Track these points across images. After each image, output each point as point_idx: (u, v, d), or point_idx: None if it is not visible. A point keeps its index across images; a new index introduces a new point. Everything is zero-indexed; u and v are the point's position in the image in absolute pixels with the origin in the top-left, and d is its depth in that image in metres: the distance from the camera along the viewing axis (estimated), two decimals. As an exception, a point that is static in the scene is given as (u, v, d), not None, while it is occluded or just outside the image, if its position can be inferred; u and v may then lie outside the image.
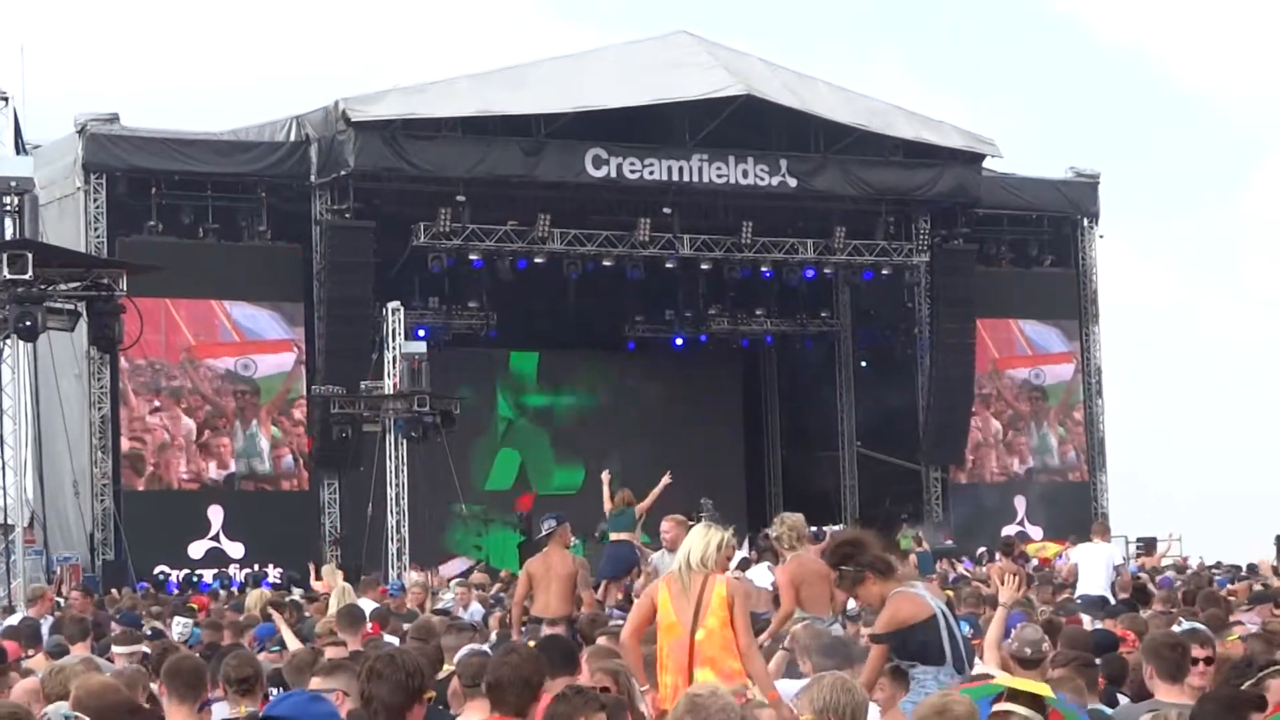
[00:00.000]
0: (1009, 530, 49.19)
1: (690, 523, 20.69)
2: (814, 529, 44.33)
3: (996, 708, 8.43)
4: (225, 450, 45.42)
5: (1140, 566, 36.08)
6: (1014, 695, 8.51)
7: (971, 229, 51.70)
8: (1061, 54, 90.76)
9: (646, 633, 12.89)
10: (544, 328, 50.73)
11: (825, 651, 12.76)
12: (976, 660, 12.92)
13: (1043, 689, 8.83)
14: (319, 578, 32.06)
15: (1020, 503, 52.12)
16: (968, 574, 34.33)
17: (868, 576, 12.28)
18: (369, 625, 18.17)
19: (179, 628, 21.33)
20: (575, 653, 12.09)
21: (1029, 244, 54.11)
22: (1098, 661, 13.32)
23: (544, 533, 20.63)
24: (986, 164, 51.08)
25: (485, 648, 14.60)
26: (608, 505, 26.75)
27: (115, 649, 16.23)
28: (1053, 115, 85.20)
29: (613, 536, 26.38)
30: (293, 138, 46.01)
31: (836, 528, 48.56)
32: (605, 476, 28.00)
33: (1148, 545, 46.02)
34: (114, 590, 36.35)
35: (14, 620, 22.92)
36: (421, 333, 46.37)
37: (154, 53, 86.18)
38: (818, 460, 54.29)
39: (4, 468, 32.99)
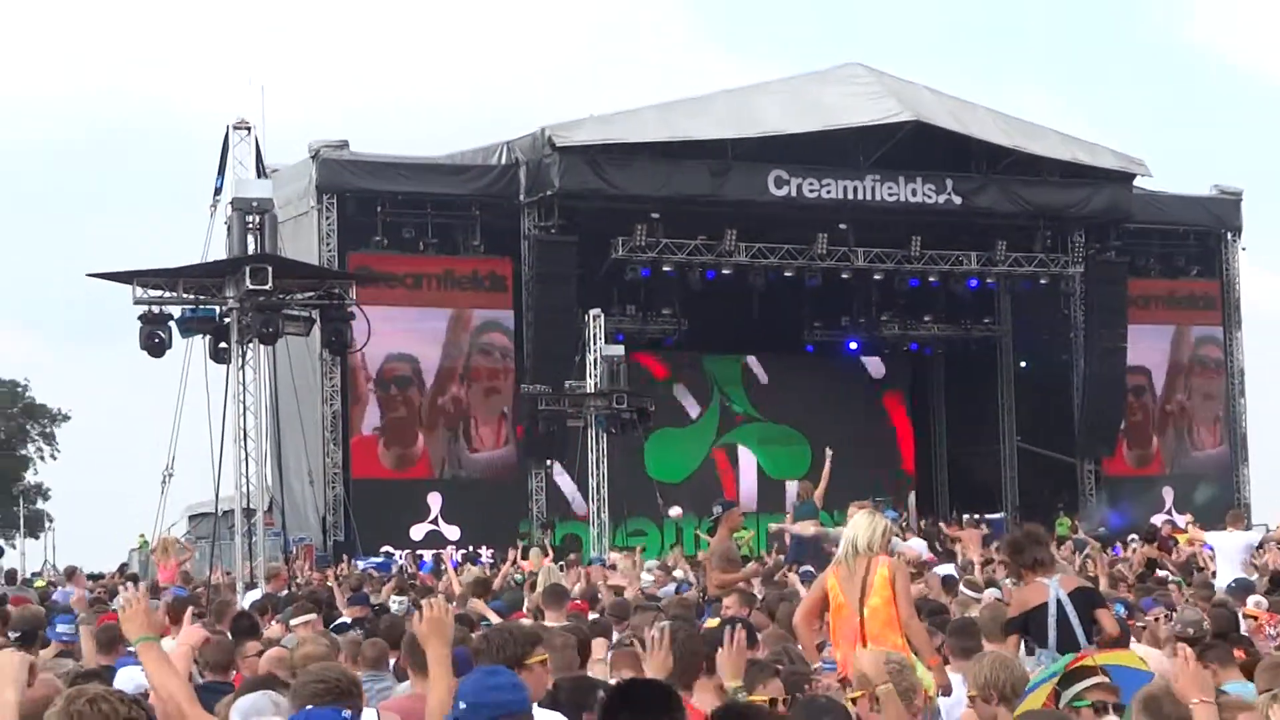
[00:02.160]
0: (1157, 519, 48.55)
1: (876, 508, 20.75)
2: (976, 516, 44.50)
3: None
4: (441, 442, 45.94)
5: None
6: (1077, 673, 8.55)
7: (1123, 242, 51.20)
8: (1202, 79, 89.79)
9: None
10: (730, 333, 50.81)
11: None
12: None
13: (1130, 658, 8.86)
14: (525, 558, 32.29)
15: (1168, 493, 51.53)
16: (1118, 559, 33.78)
17: (1023, 572, 12.44)
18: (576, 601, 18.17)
19: (395, 604, 21.46)
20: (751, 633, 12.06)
21: (1176, 256, 53.65)
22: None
23: (713, 518, 20.64)
24: (1136, 182, 50.58)
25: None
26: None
27: (293, 620, 16.33)
28: (1197, 136, 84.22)
29: (795, 526, 26.49)
30: (503, 161, 46.40)
31: (997, 515, 48.45)
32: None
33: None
34: (344, 565, 36.88)
35: (256, 595, 23.24)
36: (619, 337, 46.40)
37: (379, 84, 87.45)
38: (981, 454, 53.98)
39: (247, 458, 33.34)
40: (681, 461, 51.35)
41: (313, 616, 16.26)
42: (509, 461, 46.70)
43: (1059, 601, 12.26)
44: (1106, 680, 8.55)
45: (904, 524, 39.95)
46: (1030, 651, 12.07)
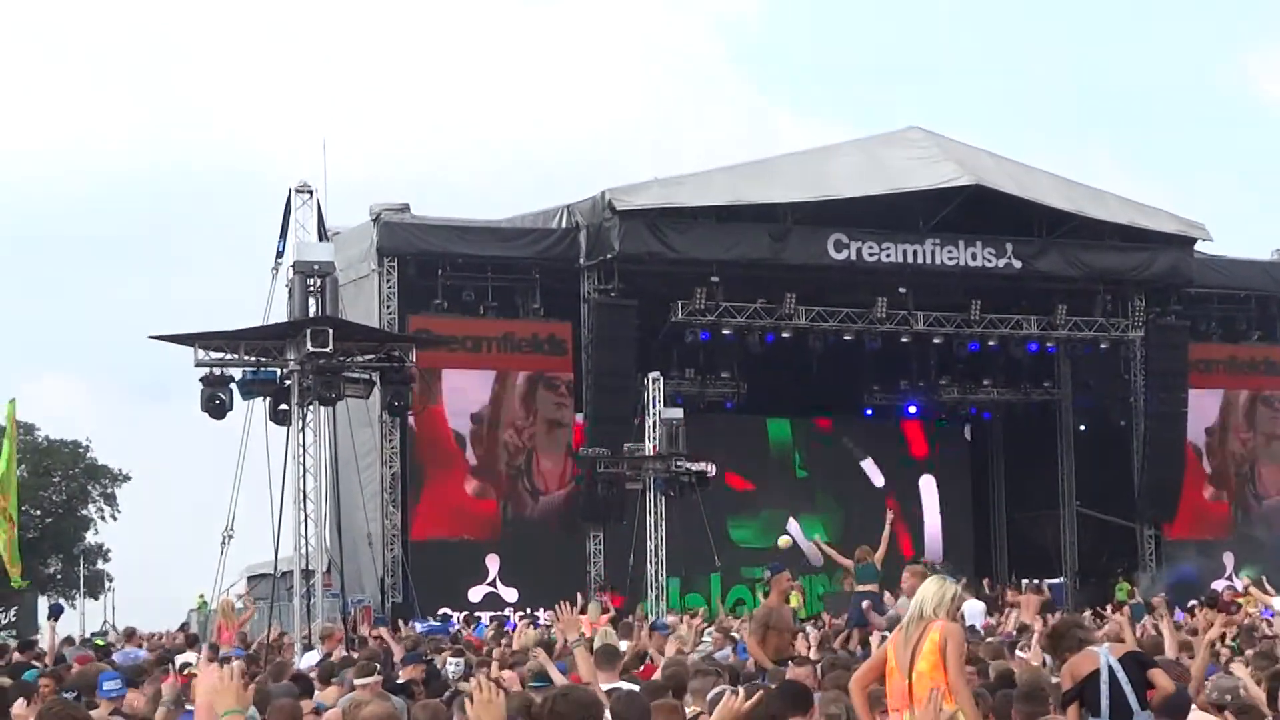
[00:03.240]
0: (1218, 585, 48.20)
1: (927, 572, 20.58)
2: (1036, 582, 44.26)
3: None
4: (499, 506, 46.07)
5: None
6: None
7: (1183, 306, 51.01)
8: (1266, 140, 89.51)
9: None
10: (790, 397, 50.80)
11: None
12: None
13: None
14: (583, 612, 32.13)
15: (1229, 559, 51.15)
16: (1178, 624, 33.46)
17: (1066, 656, 12.41)
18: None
19: (452, 666, 21.41)
20: (806, 695, 11.99)
21: (1237, 320, 53.40)
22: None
23: (765, 578, 20.56)
24: (1197, 246, 50.43)
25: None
26: (841, 560, 26.69)
27: (356, 680, 16.29)
28: (1259, 200, 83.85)
29: (859, 588, 26.34)
30: (563, 224, 46.52)
31: (1056, 581, 48.17)
32: (817, 541, 28.19)
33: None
34: (400, 627, 36.86)
35: (314, 656, 23.20)
36: (678, 400, 46.35)
37: (442, 146, 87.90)
38: (1040, 519, 53.73)
39: (306, 519, 33.44)
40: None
41: (375, 679, 16.23)
42: (571, 512, 46.63)
43: (1110, 668, 12.24)
44: None
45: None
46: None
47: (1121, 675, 12.19)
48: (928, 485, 53.96)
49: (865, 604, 24.92)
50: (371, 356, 34.49)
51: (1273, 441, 53.58)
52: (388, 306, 44.22)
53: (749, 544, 50.14)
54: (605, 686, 13.85)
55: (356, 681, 16.07)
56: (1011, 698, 12.96)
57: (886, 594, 26.46)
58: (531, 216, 47.56)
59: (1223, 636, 24.96)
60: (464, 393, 45.72)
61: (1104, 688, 12.02)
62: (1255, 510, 53.09)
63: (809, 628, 27.17)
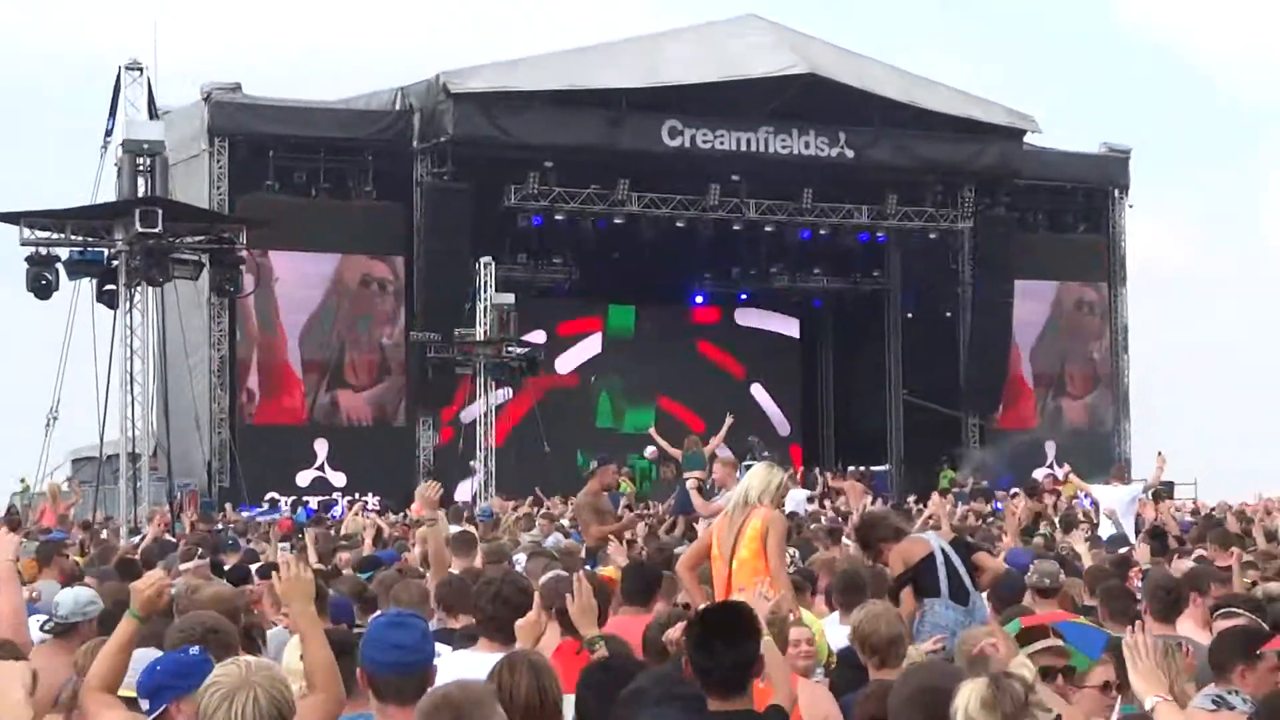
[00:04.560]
0: (1039, 473, 48.97)
1: (733, 463, 20.83)
2: (862, 468, 44.78)
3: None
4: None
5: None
6: (1028, 634, 8.59)
7: (1012, 198, 51.52)
8: (1091, 38, 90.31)
9: None
10: (622, 283, 50.82)
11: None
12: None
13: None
14: (417, 503, 32.13)
15: (1050, 447, 51.95)
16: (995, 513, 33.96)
17: (881, 547, 12.59)
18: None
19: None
20: (652, 582, 12.11)
21: (1065, 213, 53.97)
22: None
23: (591, 469, 20.58)
24: (1027, 139, 50.95)
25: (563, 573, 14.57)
26: (670, 450, 26.84)
27: (180, 564, 16.26)
28: (1087, 94, 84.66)
29: (686, 476, 26.50)
30: (397, 107, 46.28)
31: (882, 468, 48.79)
32: (653, 431, 28.27)
33: (1166, 490, 45.73)
34: (226, 511, 36.75)
35: (137, 539, 23.08)
36: (510, 286, 46.22)
37: (272, 26, 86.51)
38: (867, 407, 54.15)
39: (134, 403, 33.21)
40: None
41: (201, 562, 16.21)
42: (392, 406, 46.55)
43: (944, 551, 12.39)
44: (1060, 644, 8.64)
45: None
46: (919, 602, 12.15)
47: (955, 557, 12.35)
48: (757, 373, 54.16)
49: (691, 484, 25.07)
50: (201, 238, 34.25)
51: (1089, 341, 54.27)
52: (218, 188, 43.67)
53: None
54: (462, 570, 13.93)
55: (181, 566, 16.04)
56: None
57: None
58: (365, 98, 47.17)
59: (1035, 519, 25.56)
60: (294, 275, 45.34)
61: (941, 570, 12.13)
62: (1072, 401, 53.87)
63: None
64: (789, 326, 55.89)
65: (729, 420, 27.43)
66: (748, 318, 54.89)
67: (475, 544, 16.97)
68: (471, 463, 43.60)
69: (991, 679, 5.87)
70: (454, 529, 21.63)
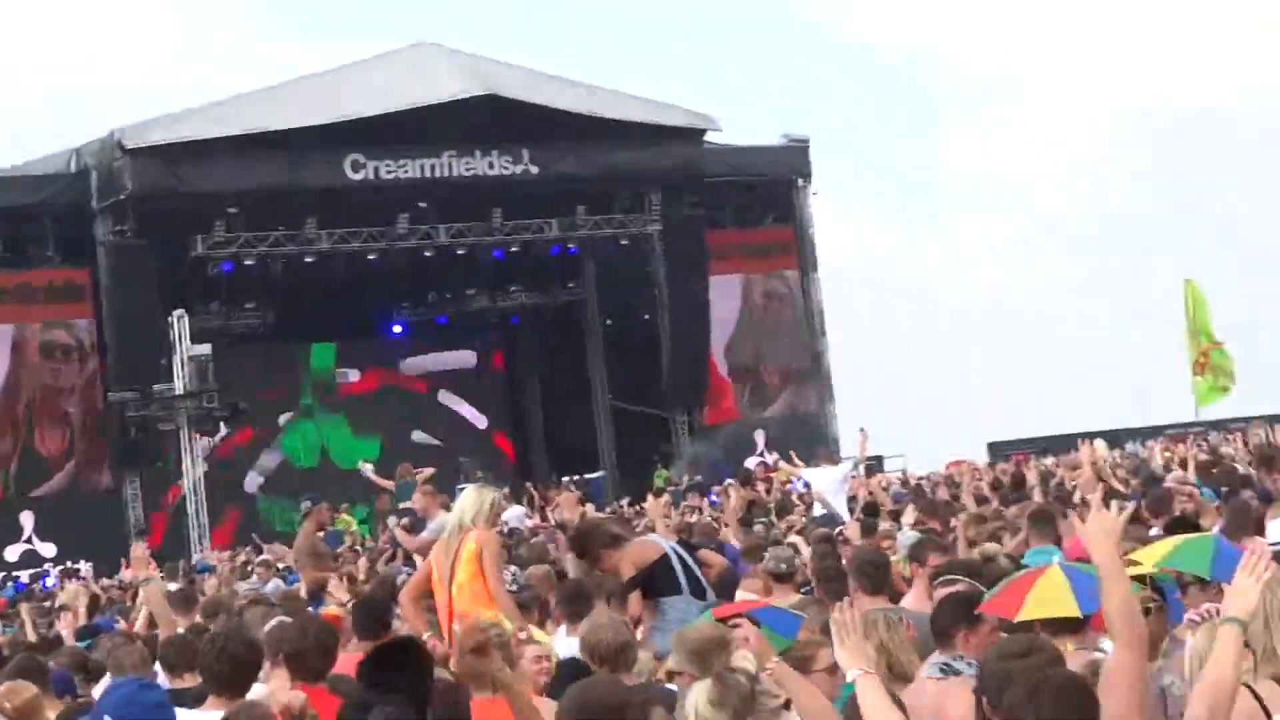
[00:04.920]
0: (751, 462, 49.67)
1: (432, 490, 20.90)
2: (575, 477, 44.98)
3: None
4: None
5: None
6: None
7: (699, 197, 52.04)
8: (764, 28, 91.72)
9: None
10: (319, 321, 50.44)
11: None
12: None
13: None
14: (129, 566, 31.68)
15: (760, 436, 52.64)
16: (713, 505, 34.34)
17: (600, 554, 12.70)
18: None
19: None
20: (383, 615, 12.15)
21: (751, 207, 54.64)
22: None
23: (302, 513, 20.49)
24: (709, 137, 51.57)
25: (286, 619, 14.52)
26: (382, 483, 26.84)
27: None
28: (767, 90, 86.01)
29: (401, 506, 26.49)
30: (73, 168, 45.51)
31: (597, 474, 49.07)
32: (366, 467, 28.25)
33: (875, 464, 46.71)
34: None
35: None
36: (206, 337, 45.67)
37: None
38: (575, 416, 54.34)
39: None
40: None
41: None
42: (95, 469, 45.81)
43: (676, 551, 12.54)
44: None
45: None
46: (655, 603, 12.26)
47: (687, 557, 12.51)
48: (463, 396, 54.19)
49: (394, 523, 24.95)
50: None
51: (785, 328, 55.07)
52: (-107, 265, 42.59)
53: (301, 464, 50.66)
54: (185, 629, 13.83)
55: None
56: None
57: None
58: (40, 162, 46.40)
59: (750, 508, 25.97)
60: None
61: (678, 569, 12.28)
62: (775, 389, 54.66)
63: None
64: (491, 346, 55.96)
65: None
66: (449, 342, 54.89)
67: (195, 600, 16.86)
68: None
69: (716, 677, 6.02)
70: (173, 586, 21.49)
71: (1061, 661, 6.28)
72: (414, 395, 53.45)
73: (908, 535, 16.68)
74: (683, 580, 12.44)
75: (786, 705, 6.45)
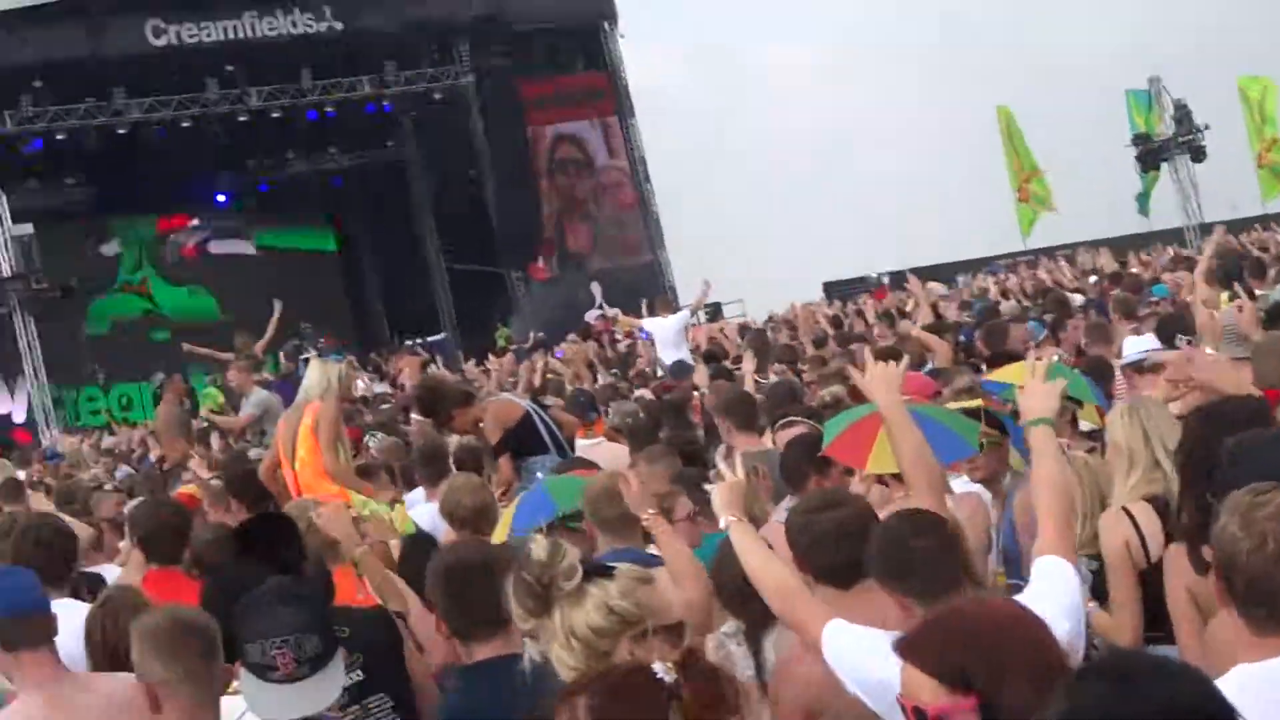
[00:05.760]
0: (590, 315, 49.63)
1: (246, 365, 20.73)
2: (413, 342, 44.66)
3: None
4: None
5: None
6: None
7: (509, 46, 51.49)
8: None
9: None
10: (141, 192, 49.42)
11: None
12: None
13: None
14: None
15: (597, 289, 52.58)
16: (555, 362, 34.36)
17: (452, 412, 12.62)
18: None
19: None
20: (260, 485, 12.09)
21: (561, 53, 54.21)
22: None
23: (156, 386, 20.25)
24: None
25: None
26: (219, 356, 26.59)
27: None
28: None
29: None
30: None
31: (439, 336, 48.83)
32: (186, 347, 27.98)
33: (714, 311, 46.85)
34: None
35: None
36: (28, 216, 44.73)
37: None
38: (411, 279, 53.90)
39: None
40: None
41: None
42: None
43: (535, 410, 12.52)
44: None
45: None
46: (522, 460, 12.24)
47: (546, 416, 12.51)
48: (291, 264, 53.45)
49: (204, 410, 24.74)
50: None
51: (610, 176, 54.94)
52: None
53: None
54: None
55: None
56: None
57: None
58: None
59: (590, 366, 26.01)
60: None
61: (541, 428, 12.28)
62: (608, 238, 54.59)
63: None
64: (316, 210, 55.38)
65: (277, 310, 27.19)
66: (274, 208, 54.21)
67: (22, 488, 16.63)
68: None
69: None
70: (21, 474, 21.20)
71: (872, 515, 6.31)
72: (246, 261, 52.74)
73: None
74: (547, 439, 12.44)
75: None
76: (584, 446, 12.99)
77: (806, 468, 8.83)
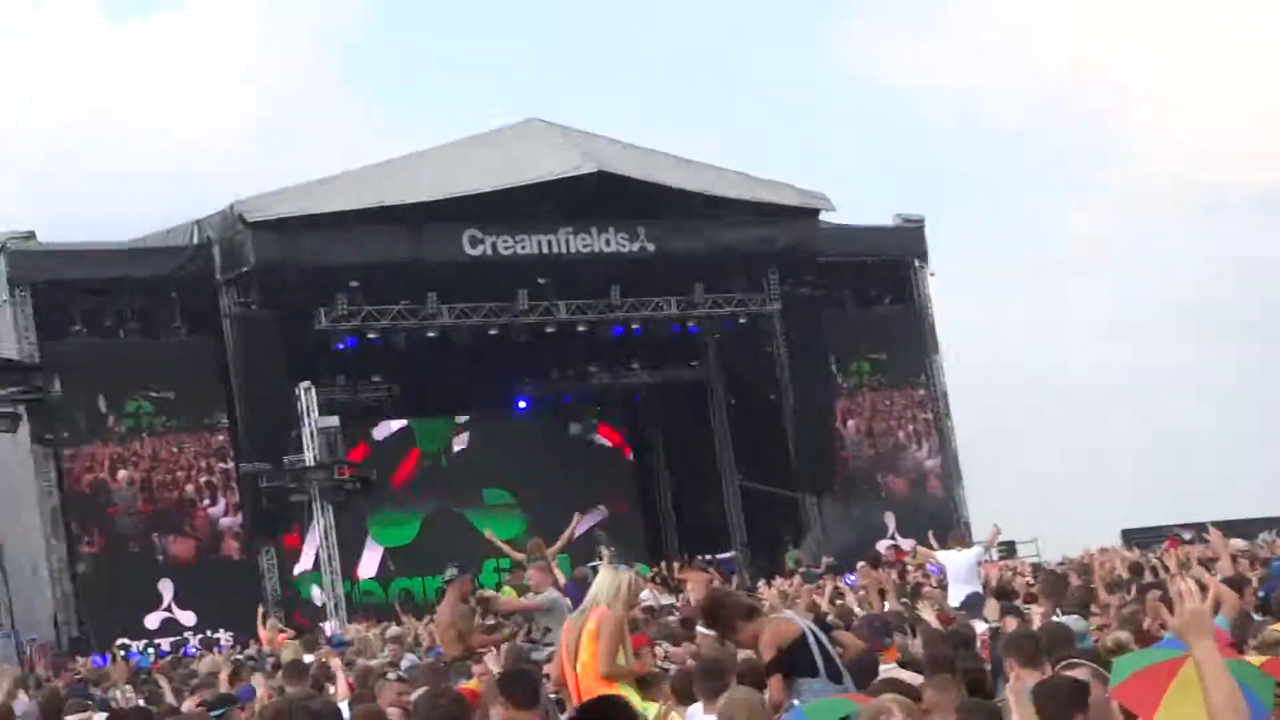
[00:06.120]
0: (882, 545, 49.42)
1: (547, 566, 20.91)
2: (707, 557, 44.78)
3: None
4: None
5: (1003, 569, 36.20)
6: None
7: (816, 276, 52.12)
8: (868, 108, 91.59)
9: None
10: (442, 395, 50.68)
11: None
12: None
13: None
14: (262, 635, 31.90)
15: (890, 519, 52.37)
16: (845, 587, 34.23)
17: (736, 624, 12.60)
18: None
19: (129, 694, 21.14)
20: (534, 686, 12.19)
21: (868, 286, 54.68)
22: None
23: (444, 580, 20.43)
24: (823, 216, 51.56)
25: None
26: (514, 555, 26.81)
27: (66, 718, 16.15)
28: (875, 166, 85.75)
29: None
30: (195, 240, 45.99)
31: (728, 555, 48.91)
32: (488, 534, 28.24)
33: (1008, 549, 46.42)
34: (76, 661, 36.20)
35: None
36: (333, 408, 45.92)
37: (60, 171, 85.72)
38: (704, 495, 54.28)
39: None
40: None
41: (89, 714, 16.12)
42: (227, 539, 46.09)
43: (813, 630, 12.41)
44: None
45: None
46: (792, 683, 12.18)
47: (823, 637, 12.40)
48: (592, 474, 53.98)
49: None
50: (14, 389, 33.85)
51: (912, 410, 54.93)
52: (26, 337, 43.04)
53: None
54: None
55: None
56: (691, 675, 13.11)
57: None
58: (162, 235, 46.96)
59: (881, 593, 25.81)
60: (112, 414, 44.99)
61: (815, 650, 12.16)
62: (906, 472, 54.34)
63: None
64: (615, 423, 56.10)
65: (575, 520, 27.53)
66: (573, 418, 55.05)
67: (307, 670, 17.00)
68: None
69: None
70: (308, 658, 21.64)
71: None
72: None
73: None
74: (820, 662, 12.32)
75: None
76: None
77: (1071, 710, 8.70)
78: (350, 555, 46.06)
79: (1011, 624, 14.63)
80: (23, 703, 20.76)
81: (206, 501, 45.70)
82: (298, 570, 47.28)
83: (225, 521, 45.82)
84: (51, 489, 43.40)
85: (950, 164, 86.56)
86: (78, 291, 44.33)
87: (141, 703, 19.87)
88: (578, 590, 23.00)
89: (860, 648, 13.76)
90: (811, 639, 12.19)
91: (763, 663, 12.36)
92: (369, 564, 49.75)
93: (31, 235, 44.47)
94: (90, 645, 40.13)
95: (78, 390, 42.26)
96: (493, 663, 15.60)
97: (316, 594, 45.45)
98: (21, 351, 42.08)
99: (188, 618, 44.21)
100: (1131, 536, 50.92)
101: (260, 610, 34.46)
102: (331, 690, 16.29)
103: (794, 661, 12.08)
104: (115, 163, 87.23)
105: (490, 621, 21.56)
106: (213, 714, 14.96)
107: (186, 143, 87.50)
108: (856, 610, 20.69)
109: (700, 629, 18.56)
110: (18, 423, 33.89)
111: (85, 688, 23.68)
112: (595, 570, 19.20)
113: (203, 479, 45.72)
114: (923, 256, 55.07)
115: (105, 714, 16.43)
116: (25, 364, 39.18)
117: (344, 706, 13.13)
